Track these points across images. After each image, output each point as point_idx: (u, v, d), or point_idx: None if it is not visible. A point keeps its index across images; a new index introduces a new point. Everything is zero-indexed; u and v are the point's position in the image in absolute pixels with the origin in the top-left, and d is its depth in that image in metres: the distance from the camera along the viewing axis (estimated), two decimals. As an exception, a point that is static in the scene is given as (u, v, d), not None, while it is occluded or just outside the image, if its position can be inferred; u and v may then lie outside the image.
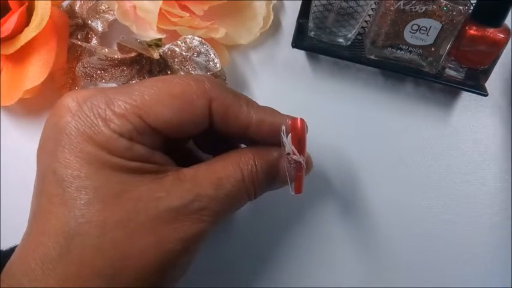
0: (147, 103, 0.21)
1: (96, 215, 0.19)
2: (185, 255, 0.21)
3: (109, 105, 0.20)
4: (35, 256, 0.19)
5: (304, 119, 0.23)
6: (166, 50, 0.30)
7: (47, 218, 0.20)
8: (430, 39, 0.29)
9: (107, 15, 0.33)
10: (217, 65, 0.29)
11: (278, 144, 0.23)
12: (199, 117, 0.22)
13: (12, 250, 0.21)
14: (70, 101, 0.21)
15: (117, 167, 0.20)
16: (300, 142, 0.22)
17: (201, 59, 0.30)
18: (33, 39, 0.29)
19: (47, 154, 0.21)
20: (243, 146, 0.27)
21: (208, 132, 0.24)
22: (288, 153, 0.23)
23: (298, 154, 0.22)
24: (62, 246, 0.19)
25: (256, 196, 0.24)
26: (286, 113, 0.24)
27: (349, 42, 0.32)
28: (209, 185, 0.22)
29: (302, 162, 0.23)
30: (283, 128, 0.23)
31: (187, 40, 0.29)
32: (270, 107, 0.24)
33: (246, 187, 0.23)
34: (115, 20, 0.32)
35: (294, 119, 0.22)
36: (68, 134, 0.20)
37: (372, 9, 0.30)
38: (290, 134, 0.22)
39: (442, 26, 0.28)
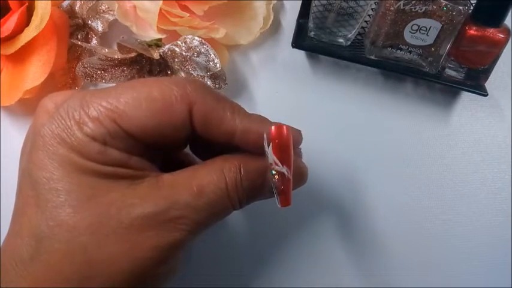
0: (122, 107, 0.20)
1: (66, 218, 0.19)
2: (161, 264, 0.20)
3: (84, 108, 0.20)
4: (10, 257, 0.19)
5: (290, 126, 0.21)
6: (166, 50, 0.30)
7: (21, 220, 0.20)
8: (430, 39, 0.29)
9: (107, 15, 0.33)
10: (217, 65, 0.29)
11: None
12: (178, 122, 0.21)
13: None
14: (49, 103, 0.21)
15: (89, 171, 0.20)
16: (283, 152, 0.20)
17: (201, 59, 0.30)
18: (33, 39, 0.29)
19: (25, 155, 0.21)
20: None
21: (201, 139, 0.23)
22: (271, 164, 0.20)
23: (280, 165, 0.20)
24: (34, 248, 0.19)
25: (241, 206, 0.22)
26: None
27: (349, 42, 0.32)
28: (188, 192, 0.20)
29: (286, 173, 0.20)
30: (265, 136, 0.20)
31: (187, 40, 0.29)
32: (259, 115, 0.23)
33: (229, 196, 0.21)
34: (115, 20, 0.32)
35: (276, 126, 0.20)
36: (42, 136, 0.20)
37: (372, 9, 0.30)
38: (271, 143, 0.20)
39: (442, 26, 0.28)
